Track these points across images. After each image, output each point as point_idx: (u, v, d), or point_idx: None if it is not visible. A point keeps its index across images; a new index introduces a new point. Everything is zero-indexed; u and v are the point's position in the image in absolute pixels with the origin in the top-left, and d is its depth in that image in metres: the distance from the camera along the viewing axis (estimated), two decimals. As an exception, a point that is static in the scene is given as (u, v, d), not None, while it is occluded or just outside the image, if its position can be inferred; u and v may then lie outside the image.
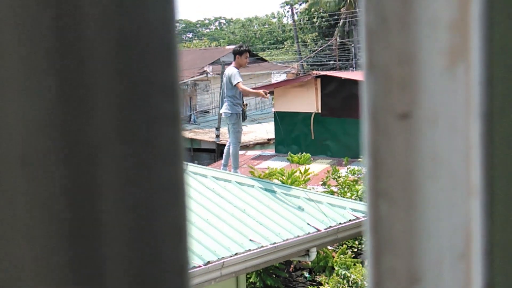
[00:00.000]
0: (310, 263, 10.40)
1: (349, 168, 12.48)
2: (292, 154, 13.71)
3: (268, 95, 11.05)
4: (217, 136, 20.15)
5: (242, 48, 10.11)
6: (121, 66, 0.31)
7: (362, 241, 10.55)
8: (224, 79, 10.25)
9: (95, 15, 0.31)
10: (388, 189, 0.38)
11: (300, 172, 11.80)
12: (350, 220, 8.28)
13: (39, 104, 0.30)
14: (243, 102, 10.19)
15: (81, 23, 0.31)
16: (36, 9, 0.29)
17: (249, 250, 7.27)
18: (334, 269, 9.87)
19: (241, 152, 13.15)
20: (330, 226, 8.05)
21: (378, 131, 0.38)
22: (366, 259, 0.39)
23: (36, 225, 0.31)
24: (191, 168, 8.17)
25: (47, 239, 0.31)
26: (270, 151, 19.13)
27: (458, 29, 0.35)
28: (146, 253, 0.33)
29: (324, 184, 12.13)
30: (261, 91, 10.97)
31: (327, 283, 9.83)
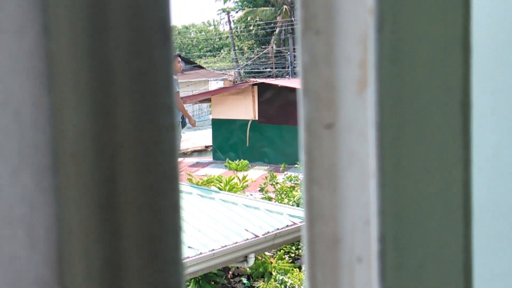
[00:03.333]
0: (248, 269, 10.49)
1: (286, 174, 12.52)
2: (230, 161, 13.78)
3: (195, 123, 11.15)
4: (155, 143, 19.91)
5: None
6: (136, 91, 0.46)
7: (299, 247, 10.71)
8: (162, 87, 10.27)
9: (119, 58, 0.46)
10: (318, 177, 0.54)
11: (238, 179, 11.89)
12: (287, 225, 8.38)
13: (83, 117, 0.45)
14: (182, 109, 10.23)
15: (110, 63, 0.46)
16: (82, 58, 0.44)
17: (187, 257, 7.31)
18: (272, 274, 10.01)
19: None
20: (268, 232, 8.16)
21: (311, 136, 0.54)
22: (302, 227, 0.55)
23: (80, 197, 0.45)
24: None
25: (86, 207, 0.45)
26: (208, 158, 19.09)
27: (364, 66, 0.51)
28: (151, 220, 0.48)
29: (261, 190, 12.25)
30: (192, 119, 10.98)
31: (265, 289, 9.97)
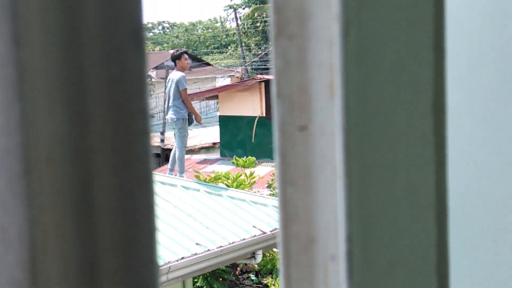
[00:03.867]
0: (256, 265, 10.51)
1: (293, 171, 12.44)
2: (237, 158, 13.79)
3: (201, 120, 11.21)
4: (162, 140, 19.97)
5: (178, 52, 10.19)
6: (111, 96, 0.48)
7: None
8: (169, 84, 10.27)
9: (92, 65, 0.47)
10: (292, 178, 0.55)
11: (246, 176, 11.90)
12: (294, 221, 8.38)
13: (57, 123, 0.46)
14: (188, 107, 10.24)
15: (82, 70, 0.47)
16: (54, 66, 0.46)
17: (196, 253, 7.32)
18: (280, 270, 9.99)
19: (186, 156, 13.16)
20: (276, 228, 8.16)
21: (285, 138, 0.55)
22: (277, 229, 0.56)
23: (54, 202, 0.47)
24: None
25: (61, 210, 0.47)
26: (215, 155, 19.09)
27: (333, 71, 0.52)
28: (126, 221, 0.49)
29: (269, 186, 12.25)
30: (199, 115, 11.01)
31: (273, 285, 9.99)
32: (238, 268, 11.36)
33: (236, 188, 10.67)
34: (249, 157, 13.86)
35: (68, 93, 0.47)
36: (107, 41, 0.48)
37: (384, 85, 0.52)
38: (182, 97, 9.93)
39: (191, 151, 19.14)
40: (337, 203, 0.53)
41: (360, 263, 0.52)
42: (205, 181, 10.78)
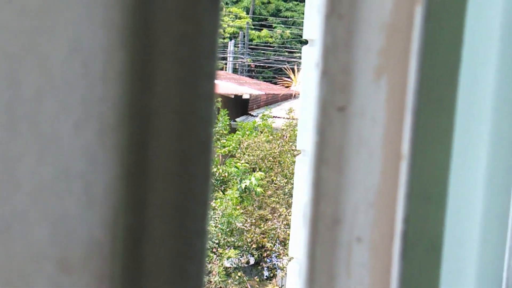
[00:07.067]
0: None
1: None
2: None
3: None
4: None
5: None
6: (179, 56, 0.45)
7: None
8: None
9: (164, 20, 0.44)
10: (327, 158, 0.55)
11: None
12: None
13: (127, 77, 0.43)
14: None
15: (154, 24, 0.44)
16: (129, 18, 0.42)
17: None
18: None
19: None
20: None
21: (323, 117, 0.55)
22: (306, 207, 0.56)
23: (125, 161, 0.43)
24: None
25: (116, 172, 0.43)
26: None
27: (384, 54, 0.53)
28: (180, 188, 0.46)
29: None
30: None
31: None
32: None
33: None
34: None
35: (136, 49, 0.43)
36: (181, -3, 0.45)
37: (457, 71, 0.53)
38: None
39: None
40: (370, 185, 0.54)
41: (413, 243, 0.53)
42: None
